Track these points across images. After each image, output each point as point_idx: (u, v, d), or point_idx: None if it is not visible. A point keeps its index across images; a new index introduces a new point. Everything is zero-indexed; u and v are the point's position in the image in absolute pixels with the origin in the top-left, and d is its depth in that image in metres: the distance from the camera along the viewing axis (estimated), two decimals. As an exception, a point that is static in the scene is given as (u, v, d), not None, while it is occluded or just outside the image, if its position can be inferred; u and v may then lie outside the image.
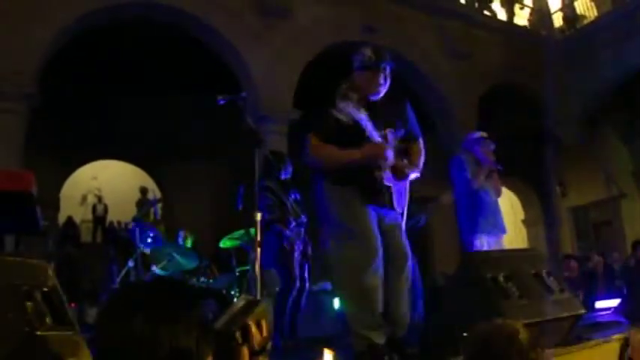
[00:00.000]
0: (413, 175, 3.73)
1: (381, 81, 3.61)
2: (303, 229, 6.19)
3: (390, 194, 3.62)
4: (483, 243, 5.51)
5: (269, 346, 1.98)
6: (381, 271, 3.51)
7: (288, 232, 5.93)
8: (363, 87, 3.63)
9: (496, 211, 5.73)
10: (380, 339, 3.43)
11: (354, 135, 3.50)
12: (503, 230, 5.75)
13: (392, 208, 3.65)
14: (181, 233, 8.23)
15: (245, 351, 1.82)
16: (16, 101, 9.75)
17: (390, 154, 3.51)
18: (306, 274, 6.20)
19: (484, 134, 6.07)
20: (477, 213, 5.62)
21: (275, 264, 6.03)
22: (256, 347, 1.87)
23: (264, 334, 1.91)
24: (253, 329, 1.88)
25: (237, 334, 1.81)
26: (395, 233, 3.68)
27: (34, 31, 9.86)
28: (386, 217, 3.66)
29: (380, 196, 3.59)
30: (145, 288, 1.53)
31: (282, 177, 6.15)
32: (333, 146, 3.54)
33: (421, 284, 6.95)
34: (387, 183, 3.59)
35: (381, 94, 3.67)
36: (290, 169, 6.23)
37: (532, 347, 1.98)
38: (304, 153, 3.64)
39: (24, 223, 3.95)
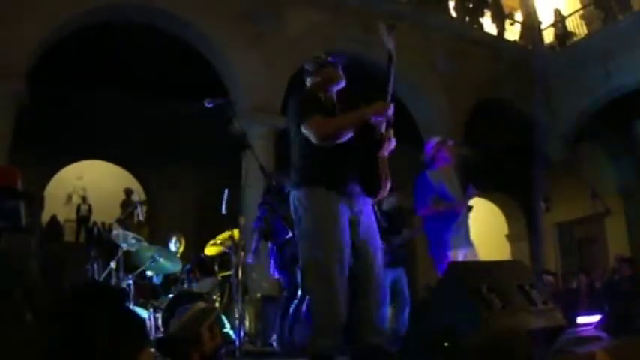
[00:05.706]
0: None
1: (341, 72, 3.84)
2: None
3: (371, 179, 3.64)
4: (458, 257, 5.40)
5: (221, 351, 2.04)
6: (346, 275, 3.48)
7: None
8: (328, 80, 3.84)
9: (465, 223, 5.60)
10: (333, 348, 3.39)
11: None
12: (470, 243, 5.62)
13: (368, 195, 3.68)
14: (173, 238, 8.09)
15: (196, 356, 1.87)
16: (4, 99, 9.70)
17: (392, 110, 3.62)
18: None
19: (439, 139, 5.94)
20: (448, 230, 5.48)
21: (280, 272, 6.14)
22: (207, 353, 1.92)
23: (217, 340, 1.95)
24: (206, 335, 1.93)
25: (190, 340, 1.86)
26: (368, 233, 3.68)
27: (23, 29, 9.83)
28: (361, 214, 3.66)
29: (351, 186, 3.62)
30: (73, 293, 1.56)
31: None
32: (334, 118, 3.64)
33: (409, 294, 6.99)
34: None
35: (343, 85, 3.88)
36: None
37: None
38: (314, 138, 3.56)
39: (7, 219, 3.90)
